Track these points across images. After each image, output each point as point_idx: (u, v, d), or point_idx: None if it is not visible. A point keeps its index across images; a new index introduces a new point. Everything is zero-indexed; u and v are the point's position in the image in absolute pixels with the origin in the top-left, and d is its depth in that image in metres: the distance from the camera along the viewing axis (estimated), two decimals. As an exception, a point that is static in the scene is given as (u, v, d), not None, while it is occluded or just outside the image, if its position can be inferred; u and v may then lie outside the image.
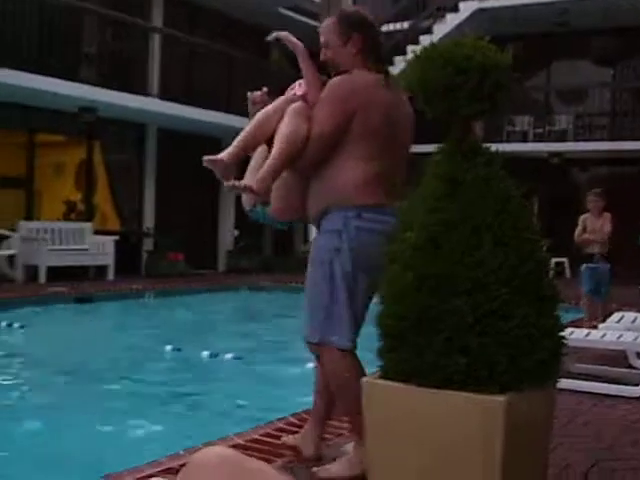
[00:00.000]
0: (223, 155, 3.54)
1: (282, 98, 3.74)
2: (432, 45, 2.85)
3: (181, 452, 3.82)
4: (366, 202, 3.47)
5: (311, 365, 6.67)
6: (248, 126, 3.69)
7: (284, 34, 3.72)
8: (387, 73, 3.63)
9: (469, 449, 2.65)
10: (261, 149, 3.79)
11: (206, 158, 3.51)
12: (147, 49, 15.61)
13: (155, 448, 4.19)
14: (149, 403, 5.84)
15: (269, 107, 3.71)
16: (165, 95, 15.03)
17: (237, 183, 3.48)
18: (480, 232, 2.63)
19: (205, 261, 17.18)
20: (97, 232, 14.86)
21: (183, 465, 3.49)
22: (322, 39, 3.70)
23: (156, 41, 15.75)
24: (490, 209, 2.68)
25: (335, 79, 3.58)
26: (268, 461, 3.61)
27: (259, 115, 3.69)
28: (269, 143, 3.64)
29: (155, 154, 16.54)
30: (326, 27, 3.69)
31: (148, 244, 16.19)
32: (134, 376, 6.80)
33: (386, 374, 2.77)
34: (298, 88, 3.74)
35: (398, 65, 18.28)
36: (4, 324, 9.29)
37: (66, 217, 15.64)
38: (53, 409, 5.52)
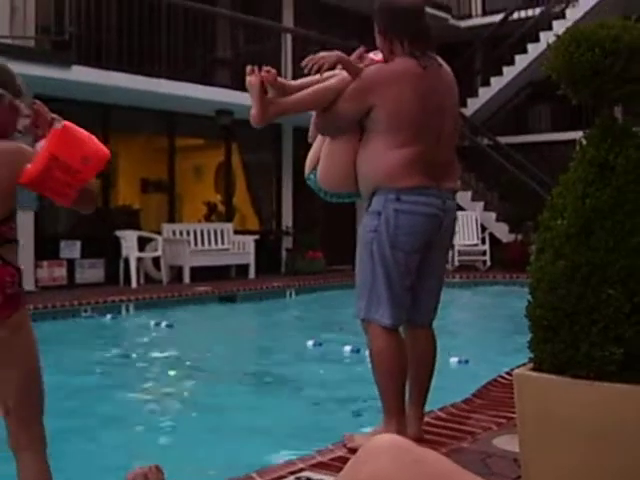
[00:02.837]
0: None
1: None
2: (576, 27, 2.77)
3: (330, 446, 3.85)
4: (405, 185, 3.60)
5: (455, 359, 6.72)
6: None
7: (309, 60, 3.75)
8: (425, 57, 3.70)
9: (626, 443, 2.56)
10: (319, 138, 4.04)
11: (265, 68, 3.75)
12: (279, 50, 15.80)
13: (303, 443, 4.23)
14: (293, 399, 5.92)
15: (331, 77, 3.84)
16: (299, 94, 15.16)
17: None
18: (634, 218, 2.54)
19: (344, 258, 17.24)
20: (237, 232, 15.17)
21: (334, 459, 3.57)
22: None
23: (288, 41, 15.92)
24: (644, 194, 2.59)
25: (367, 69, 3.73)
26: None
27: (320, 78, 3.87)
28: None
29: (291, 153, 16.72)
30: None
31: (287, 242, 16.39)
32: (278, 372, 6.91)
33: (539, 366, 2.71)
34: (372, 55, 3.91)
35: (531, 53, 18.06)
36: (152, 323, 9.60)
37: (207, 218, 16.02)
38: (200, 405, 5.67)
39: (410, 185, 3.60)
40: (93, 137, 2.71)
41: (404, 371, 3.75)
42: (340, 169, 3.87)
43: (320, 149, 4.01)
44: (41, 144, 2.69)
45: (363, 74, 3.71)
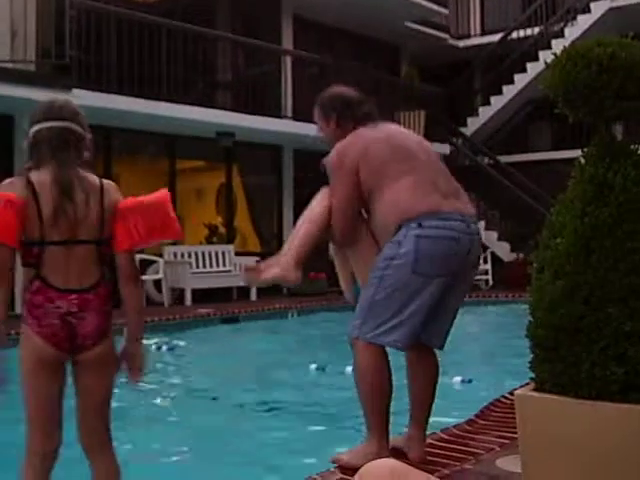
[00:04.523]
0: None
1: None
2: (573, 46, 2.77)
3: (326, 472, 3.81)
4: (422, 210, 3.67)
5: (459, 378, 6.69)
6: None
7: None
8: (372, 121, 4.02)
9: (628, 463, 2.54)
10: (339, 259, 4.21)
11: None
12: (279, 72, 15.84)
13: (306, 468, 4.20)
14: (295, 422, 5.88)
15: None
16: (299, 116, 15.19)
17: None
18: (634, 236, 2.53)
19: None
20: (238, 253, 15.14)
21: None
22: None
23: (288, 63, 15.98)
24: (643, 212, 2.57)
25: (330, 154, 3.95)
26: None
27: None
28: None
29: (292, 175, 16.74)
30: (314, 114, 4.16)
31: (290, 263, 16.33)
32: (280, 395, 6.87)
33: (540, 386, 2.69)
34: None
35: (531, 72, 18.10)
36: (153, 347, 9.56)
37: (208, 240, 16.00)
38: (202, 431, 5.63)
39: (427, 209, 3.67)
40: (175, 218, 3.05)
41: (388, 390, 3.78)
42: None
43: (344, 267, 4.15)
44: None
45: (329, 158, 3.93)
